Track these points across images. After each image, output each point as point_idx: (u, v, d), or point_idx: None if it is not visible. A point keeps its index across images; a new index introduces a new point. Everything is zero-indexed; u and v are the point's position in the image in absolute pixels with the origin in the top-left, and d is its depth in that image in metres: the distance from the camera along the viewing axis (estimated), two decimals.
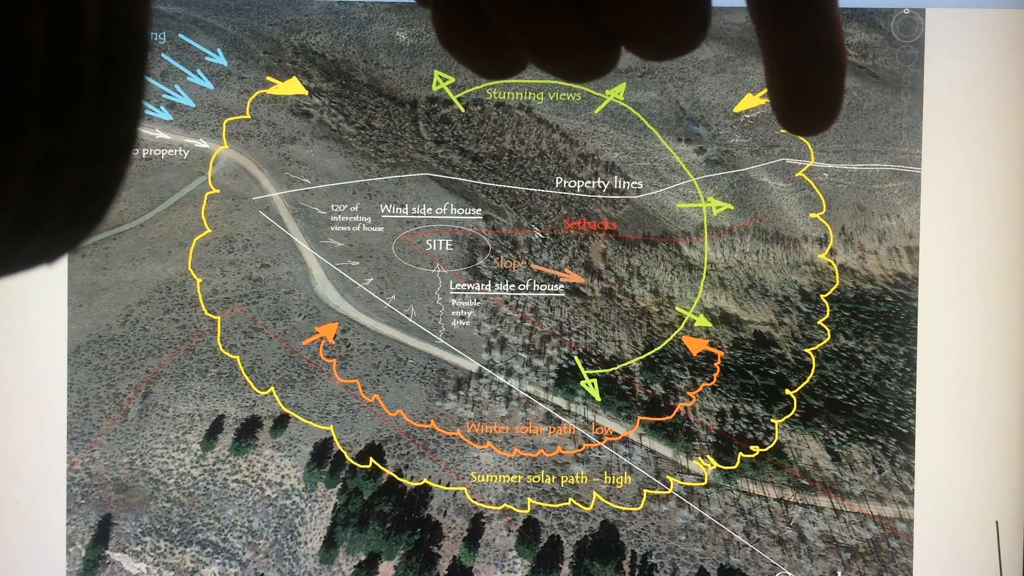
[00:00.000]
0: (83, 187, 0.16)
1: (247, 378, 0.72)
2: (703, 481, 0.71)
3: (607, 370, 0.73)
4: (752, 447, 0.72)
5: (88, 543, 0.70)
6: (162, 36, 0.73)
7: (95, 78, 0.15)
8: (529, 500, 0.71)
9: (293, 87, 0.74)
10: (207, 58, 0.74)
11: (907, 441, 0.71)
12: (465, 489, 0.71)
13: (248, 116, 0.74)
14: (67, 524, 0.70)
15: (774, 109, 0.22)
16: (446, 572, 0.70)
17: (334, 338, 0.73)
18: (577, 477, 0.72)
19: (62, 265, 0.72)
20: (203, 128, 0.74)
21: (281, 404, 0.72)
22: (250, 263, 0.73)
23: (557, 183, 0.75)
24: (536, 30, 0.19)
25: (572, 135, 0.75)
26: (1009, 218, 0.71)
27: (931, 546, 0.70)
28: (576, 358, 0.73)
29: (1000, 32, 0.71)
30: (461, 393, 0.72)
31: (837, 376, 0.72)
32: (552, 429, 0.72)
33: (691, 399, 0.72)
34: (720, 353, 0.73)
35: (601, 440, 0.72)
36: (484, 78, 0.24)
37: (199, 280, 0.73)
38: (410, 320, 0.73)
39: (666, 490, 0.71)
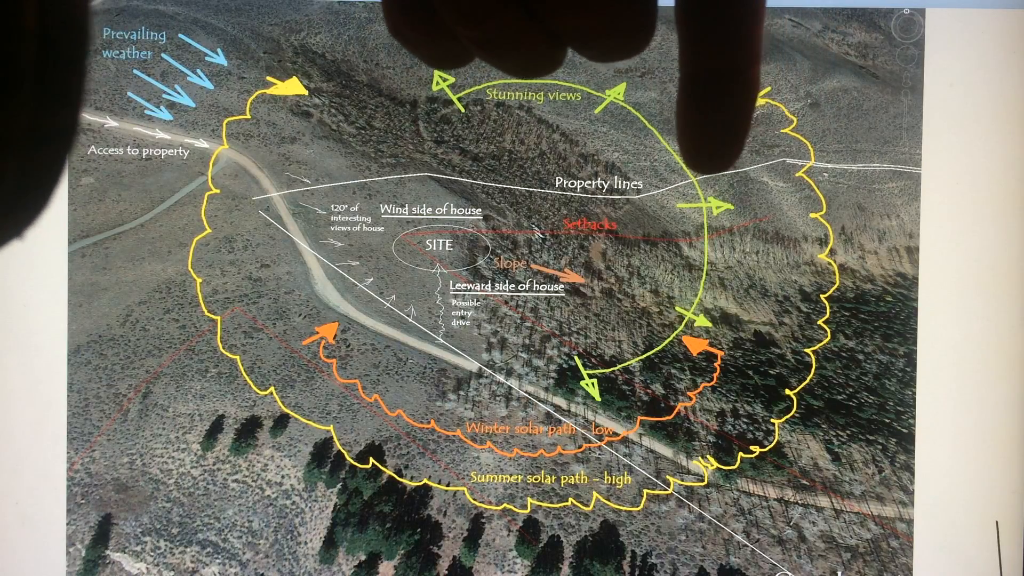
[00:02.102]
0: (25, 173, 0.16)
1: (247, 378, 0.72)
2: (703, 481, 0.71)
3: (607, 370, 0.73)
4: (752, 447, 0.72)
5: (88, 543, 0.70)
6: (162, 36, 0.73)
7: (34, 66, 0.15)
8: (529, 500, 0.71)
9: (293, 87, 0.74)
10: (207, 58, 0.74)
11: (907, 441, 0.71)
12: (465, 489, 0.71)
13: (248, 116, 0.74)
14: (67, 524, 0.70)
15: (679, 138, 0.22)
16: (446, 572, 0.70)
17: (334, 338, 0.73)
18: (577, 477, 0.72)
19: (62, 265, 0.72)
20: (203, 128, 0.74)
21: (281, 404, 0.72)
22: (250, 263, 0.73)
23: (557, 183, 0.75)
24: (483, 26, 0.19)
25: (572, 135, 0.75)
26: (1009, 218, 0.71)
27: (931, 546, 0.70)
28: (576, 358, 0.73)
29: (1000, 32, 0.71)
30: (461, 393, 0.72)
31: (837, 376, 0.72)
32: (552, 429, 0.72)
33: (691, 399, 0.72)
34: (720, 353, 0.73)
35: (601, 440, 0.72)
36: (432, 67, 0.25)
37: (199, 280, 0.73)
38: (410, 320, 0.73)
39: (666, 490, 0.71)
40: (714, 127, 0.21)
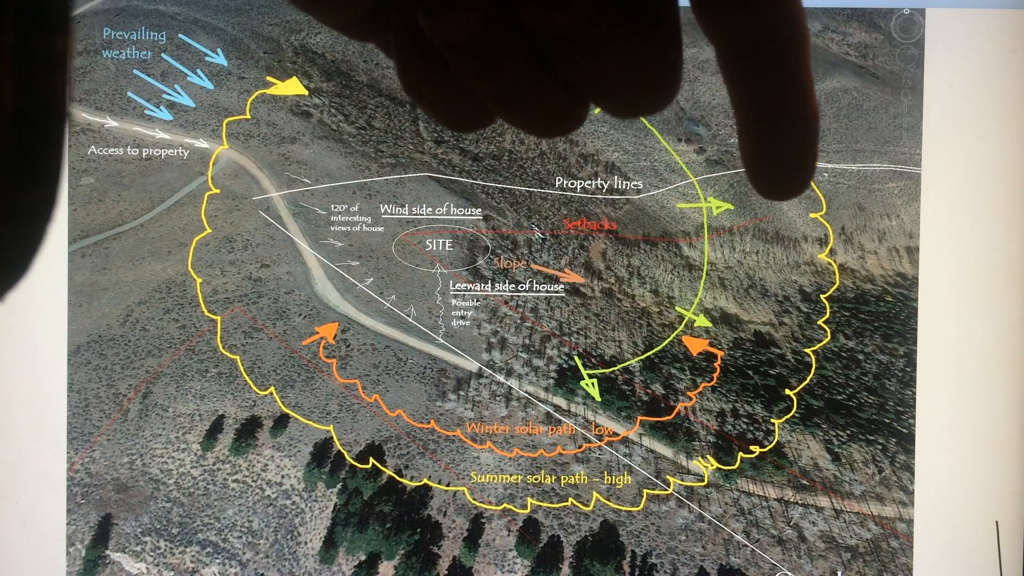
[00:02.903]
0: (3, 246, 0.16)
1: (247, 378, 0.72)
2: (703, 481, 0.71)
3: (607, 370, 0.73)
4: (752, 447, 0.72)
5: (88, 543, 0.70)
6: (162, 36, 0.73)
7: (12, 146, 0.15)
8: (529, 500, 0.71)
9: (293, 87, 0.74)
10: (207, 58, 0.74)
11: (907, 441, 0.71)
12: (465, 489, 0.71)
13: (248, 116, 0.74)
14: (67, 524, 0.70)
15: (748, 173, 0.21)
16: (446, 572, 0.70)
17: (334, 338, 0.73)
18: (577, 477, 0.72)
19: (62, 265, 0.72)
20: (203, 128, 0.74)
21: (281, 404, 0.72)
22: (250, 263, 0.73)
23: (557, 183, 0.75)
24: (496, 78, 0.19)
25: (572, 135, 0.75)
26: (1009, 218, 0.71)
27: (931, 546, 0.70)
28: (576, 358, 0.73)
29: (1000, 32, 0.71)
30: (461, 393, 0.72)
31: (837, 376, 0.72)
32: (552, 429, 0.72)
33: (691, 399, 0.72)
34: (720, 353, 0.73)
35: (601, 440, 0.72)
36: (452, 130, 0.24)
37: (199, 280, 0.73)
38: (410, 320, 0.73)
39: (666, 490, 0.71)
40: (782, 161, 0.21)
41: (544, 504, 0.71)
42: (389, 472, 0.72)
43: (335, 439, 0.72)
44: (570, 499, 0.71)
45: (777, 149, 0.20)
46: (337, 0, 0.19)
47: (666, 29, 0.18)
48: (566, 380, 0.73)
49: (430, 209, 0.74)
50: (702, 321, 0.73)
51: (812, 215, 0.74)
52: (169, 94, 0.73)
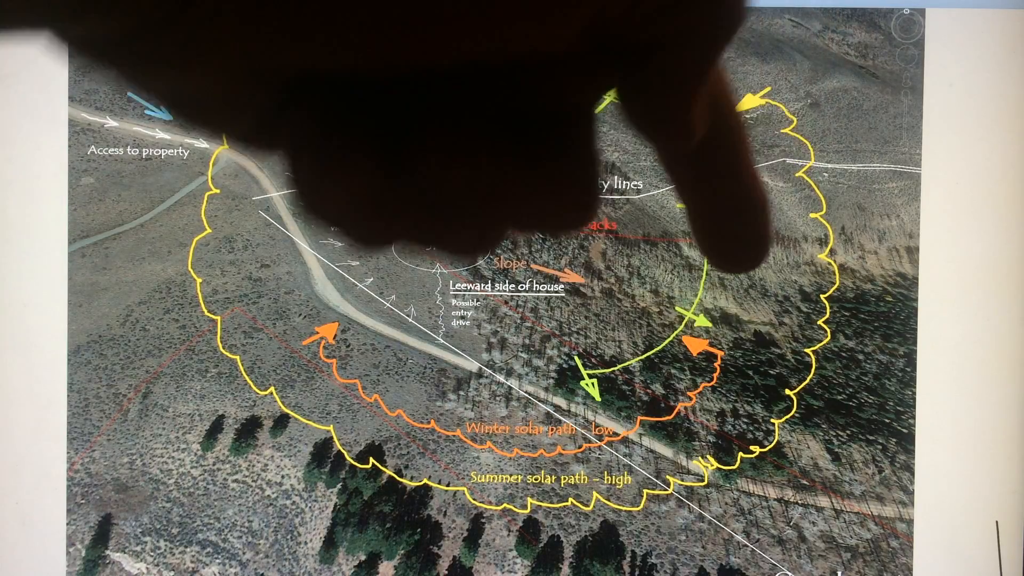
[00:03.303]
0: None
1: (247, 378, 0.72)
2: (703, 481, 0.71)
3: (607, 370, 0.73)
4: (752, 447, 0.72)
5: (88, 543, 0.70)
6: None
7: None
8: (529, 500, 0.71)
9: None
10: None
11: (907, 441, 0.71)
12: (465, 489, 0.71)
13: None
14: (67, 524, 0.70)
15: (701, 252, 0.21)
16: (446, 572, 0.70)
17: (334, 338, 0.73)
18: (577, 477, 0.72)
19: (62, 265, 0.72)
20: None
21: (281, 404, 0.72)
22: (250, 263, 0.73)
23: None
24: (393, 223, 0.17)
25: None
26: (1009, 218, 0.71)
27: (931, 546, 0.70)
28: (576, 358, 0.73)
29: (1000, 32, 0.71)
30: (461, 393, 0.72)
31: (837, 376, 0.72)
32: (552, 429, 0.72)
33: (691, 399, 0.72)
34: (720, 353, 0.73)
35: (601, 440, 0.72)
36: (360, 253, 0.22)
37: (199, 280, 0.73)
38: (410, 320, 0.73)
39: (666, 490, 0.71)
40: (733, 245, 0.20)
41: (544, 504, 0.71)
42: (389, 472, 0.72)
43: (335, 439, 0.72)
44: (570, 499, 0.71)
45: (726, 236, 0.20)
46: (222, 119, 0.17)
47: (573, 161, 0.18)
48: (566, 380, 0.73)
49: None
50: (702, 321, 0.73)
51: (812, 215, 0.74)
52: None
